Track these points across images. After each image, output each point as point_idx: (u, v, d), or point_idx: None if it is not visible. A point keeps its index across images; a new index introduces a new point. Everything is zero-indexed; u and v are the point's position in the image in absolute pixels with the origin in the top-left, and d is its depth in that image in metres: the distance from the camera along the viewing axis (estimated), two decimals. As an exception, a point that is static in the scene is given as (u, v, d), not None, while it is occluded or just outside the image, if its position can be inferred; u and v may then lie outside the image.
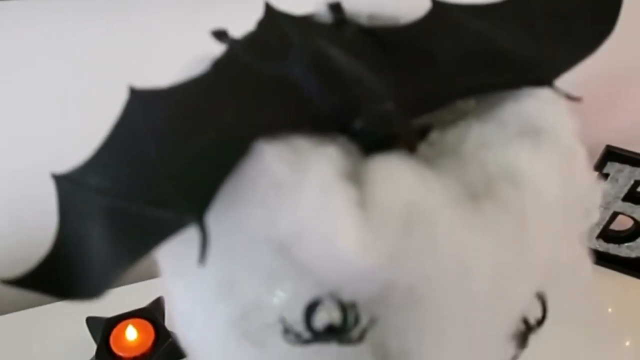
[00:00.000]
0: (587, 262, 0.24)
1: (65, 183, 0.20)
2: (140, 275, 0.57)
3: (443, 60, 0.22)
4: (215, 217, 0.17)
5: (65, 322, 0.53)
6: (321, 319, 0.18)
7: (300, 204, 0.16)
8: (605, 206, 0.61)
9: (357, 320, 0.18)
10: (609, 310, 0.64)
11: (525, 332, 0.22)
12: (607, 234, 0.63)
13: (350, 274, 0.17)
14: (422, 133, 0.20)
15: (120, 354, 0.45)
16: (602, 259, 0.65)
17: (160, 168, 0.18)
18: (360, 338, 0.18)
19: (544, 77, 0.22)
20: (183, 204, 0.17)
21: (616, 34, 0.75)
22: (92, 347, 0.47)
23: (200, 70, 0.21)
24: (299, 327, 0.18)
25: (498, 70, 0.22)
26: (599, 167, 0.58)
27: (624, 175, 0.57)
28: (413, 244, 0.16)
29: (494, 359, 0.22)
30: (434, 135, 0.20)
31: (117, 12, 0.47)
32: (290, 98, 0.20)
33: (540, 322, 0.23)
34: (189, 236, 0.18)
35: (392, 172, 0.17)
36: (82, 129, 0.37)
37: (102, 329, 0.47)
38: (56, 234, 0.20)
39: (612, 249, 0.64)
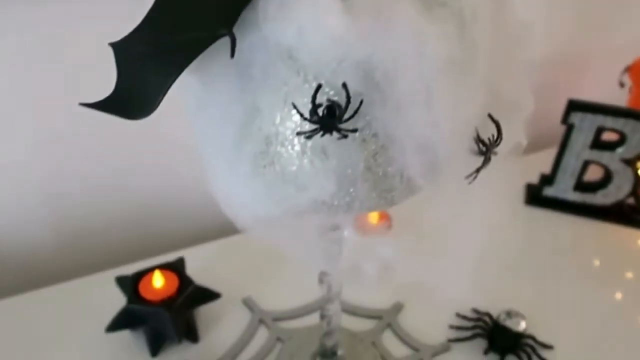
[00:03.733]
0: (530, 97, 0.30)
1: (119, 45, 0.27)
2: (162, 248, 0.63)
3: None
4: (239, 36, 0.24)
5: (94, 290, 0.58)
6: (322, 102, 0.24)
7: (299, 11, 0.23)
8: (576, 157, 0.67)
9: (348, 100, 0.24)
10: (596, 263, 0.68)
11: (485, 147, 0.28)
12: (581, 184, 0.69)
13: (340, 54, 0.23)
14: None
15: (149, 298, 0.50)
16: (581, 210, 0.71)
17: (196, 6, 0.24)
18: (353, 117, 0.24)
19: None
20: (216, 24, 0.23)
21: (578, 20, 0.82)
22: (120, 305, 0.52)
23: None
24: (307, 118, 0.24)
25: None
26: (565, 119, 0.65)
27: (587, 124, 0.64)
28: (381, 26, 0.22)
29: (458, 165, 0.28)
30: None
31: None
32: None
33: (497, 141, 0.29)
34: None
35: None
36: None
37: (132, 279, 0.52)
38: (116, 80, 0.26)
39: (588, 198, 0.70)
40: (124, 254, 0.63)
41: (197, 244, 0.64)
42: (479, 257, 0.36)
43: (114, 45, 0.27)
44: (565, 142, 0.66)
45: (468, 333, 0.55)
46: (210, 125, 0.28)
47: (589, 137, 0.65)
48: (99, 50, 0.36)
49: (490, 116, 0.29)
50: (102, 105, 0.25)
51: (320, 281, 0.43)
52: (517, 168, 0.36)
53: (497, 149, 0.29)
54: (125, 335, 0.54)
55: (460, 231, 0.36)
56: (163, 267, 0.53)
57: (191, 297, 0.52)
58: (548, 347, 0.54)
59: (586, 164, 0.68)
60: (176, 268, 0.53)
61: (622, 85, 0.78)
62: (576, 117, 0.64)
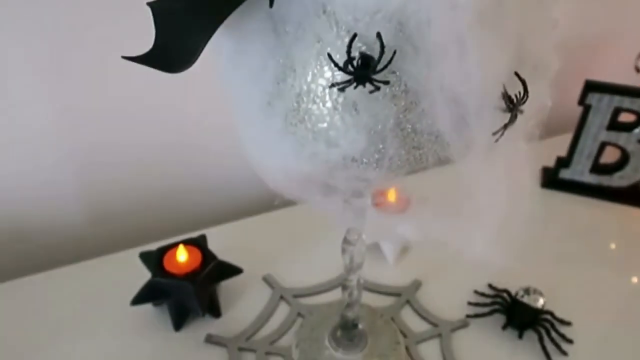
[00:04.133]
0: (554, 58, 0.31)
1: (157, 4, 0.28)
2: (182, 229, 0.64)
3: None
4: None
5: (118, 268, 0.59)
6: (355, 55, 0.25)
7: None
8: (593, 138, 0.67)
9: (382, 49, 0.25)
10: (612, 246, 0.68)
11: (512, 104, 0.29)
12: (598, 167, 0.70)
13: (374, 5, 0.24)
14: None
15: (174, 271, 0.51)
16: (597, 193, 0.71)
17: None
18: (386, 68, 0.25)
19: None
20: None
21: (591, 4, 0.82)
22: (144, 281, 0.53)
23: None
24: (342, 67, 0.25)
25: None
26: (582, 100, 0.66)
27: (604, 104, 0.64)
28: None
29: (486, 120, 0.28)
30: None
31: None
32: None
33: (523, 98, 0.30)
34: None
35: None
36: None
37: (156, 254, 0.53)
38: (155, 38, 0.27)
39: (605, 180, 0.70)
40: (145, 235, 0.64)
41: (217, 224, 0.65)
42: (496, 237, 0.36)
43: (151, 5, 0.28)
44: (582, 123, 0.67)
45: (486, 309, 0.55)
46: (243, 84, 0.29)
47: (605, 118, 0.65)
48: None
49: (516, 74, 0.29)
50: (143, 59, 0.26)
51: (343, 251, 0.44)
52: (533, 152, 0.36)
53: (523, 108, 0.30)
54: (148, 311, 0.55)
55: (476, 212, 0.37)
56: (186, 242, 0.54)
57: (214, 271, 0.52)
58: (566, 323, 0.55)
59: (603, 146, 0.68)
60: (199, 243, 0.54)
61: (638, 70, 0.79)
62: (593, 98, 0.65)
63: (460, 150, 0.30)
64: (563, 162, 0.71)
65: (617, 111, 0.65)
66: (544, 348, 0.52)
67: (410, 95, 0.28)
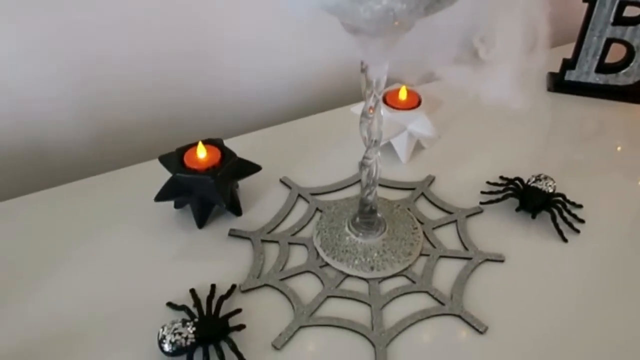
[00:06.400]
0: None
1: None
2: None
3: None
4: None
5: (139, 178, 0.60)
6: None
7: None
8: (598, 35, 0.68)
9: None
10: (619, 144, 0.69)
11: None
12: (603, 66, 0.70)
13: None
14: None
15: (195, 167, 0.52)
16: (603, 92, 0.72)
17: None
18: None
19: None
20: None
21: None
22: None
23: None
24: None
25: None
26: (586, -6, 0.66)
27: (609, -3, 0.65)
28: None
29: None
30: None
31: None
32: None
33: None
34: None
35: None
36: None
37: (176, 154, 0.54)
38: None
39: (611, 79, 0.71)
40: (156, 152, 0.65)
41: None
42: (515, 79, 0.37)
43: None
44: (587, 20, 0.67)
45: (500, 195, 0.57)
46: None
47: (611, 12, 0.66)
48: None
49: None
50: None
51: (361, 123, 0.45)
52: (538, 61, 0.37)
53: None
54: (171, 213, 0.56)
55: (494, 56, 0.37)
56: (205, 142, 0.55)
57: (234, 167, 0.54)
58: (578, 206, 0.56)
59: (608, 44, 0.68)
60: (217, 143, 0.55)
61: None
62: (598, -9, 0.65)
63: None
64: (569, 64, 0.71)
65: (623, 5, 0.65)
66: (557, 226, 0.54)
67: None
